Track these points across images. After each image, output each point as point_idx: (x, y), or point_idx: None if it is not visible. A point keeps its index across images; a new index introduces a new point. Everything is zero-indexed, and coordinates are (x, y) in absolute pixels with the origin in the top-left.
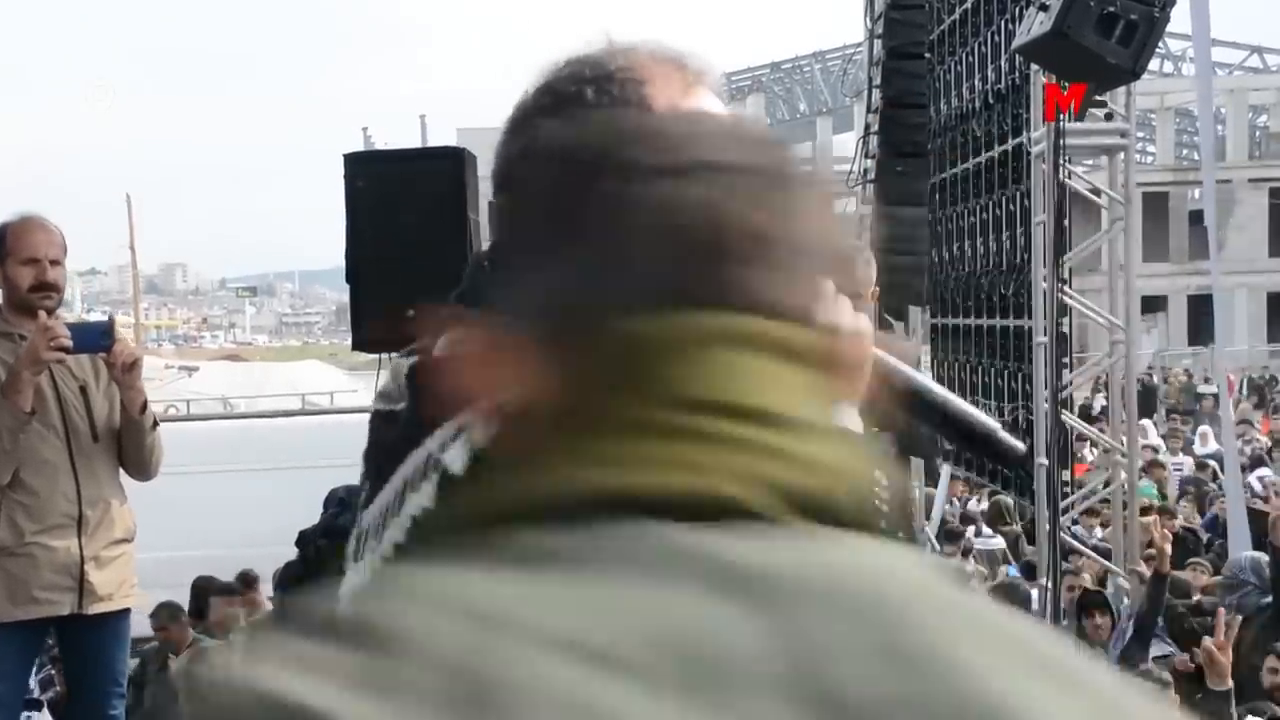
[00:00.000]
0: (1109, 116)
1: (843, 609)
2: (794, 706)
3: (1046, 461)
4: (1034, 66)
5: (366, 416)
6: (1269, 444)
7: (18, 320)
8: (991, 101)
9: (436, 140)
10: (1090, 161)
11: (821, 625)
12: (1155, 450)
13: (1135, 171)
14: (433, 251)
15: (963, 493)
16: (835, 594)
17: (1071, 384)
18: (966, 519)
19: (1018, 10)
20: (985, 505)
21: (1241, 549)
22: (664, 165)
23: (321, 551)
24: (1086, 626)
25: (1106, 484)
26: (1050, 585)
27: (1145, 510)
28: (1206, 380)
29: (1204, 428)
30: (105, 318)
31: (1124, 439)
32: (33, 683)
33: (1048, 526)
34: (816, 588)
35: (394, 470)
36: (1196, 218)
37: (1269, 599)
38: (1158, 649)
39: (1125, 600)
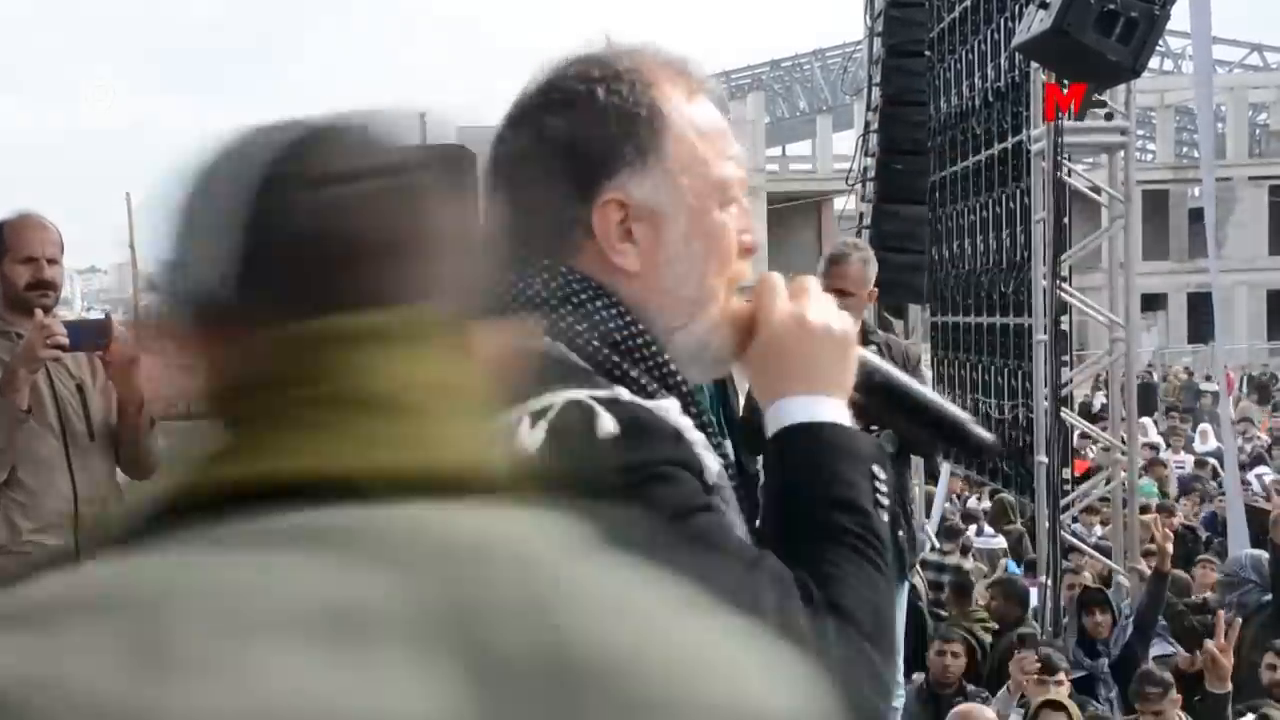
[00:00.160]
0: (1109, 116)
1: (484, 568)
2: (439, 656)
3: (1046, 459)
4: (1034, 64)
5: None
6: (1269, 441)
7: (15, 318)
8: (991, 99)
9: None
10: (1090, 159)
11: (467, 583)
12: (1155, 448)
13: (1135, 169)
14: None
15: (963, 490)
16: (479, 555)
17: (1071, 382)
18: (968, 517)
19: (1017, 8)
20: (988, 504)
21: (1240, 547)
22: (309, 175)
23: None
24: (1087, 624)
25: (1107, 482)
26: (1050, 583)
27: (1145, 509)
28: (1207, 378)
29: (1204, 425)
30: (103, 316)
31: (1124, 437)
32: None
33: (1048, 524)
34: (462, 552)
35: None
36: (1196, 215)
37: (1269, 596)
38: (1159, 648)
39: (1126, 598)
